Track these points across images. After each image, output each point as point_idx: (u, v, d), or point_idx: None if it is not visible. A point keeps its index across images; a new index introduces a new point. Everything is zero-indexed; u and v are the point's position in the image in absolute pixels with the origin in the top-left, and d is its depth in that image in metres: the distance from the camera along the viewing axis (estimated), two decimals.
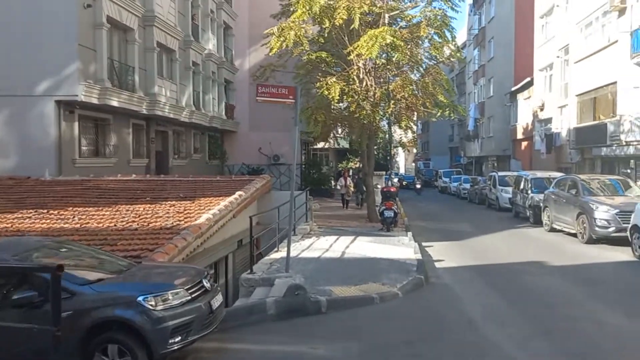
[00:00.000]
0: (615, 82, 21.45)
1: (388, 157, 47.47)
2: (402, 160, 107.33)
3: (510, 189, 24.45)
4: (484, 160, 48.83)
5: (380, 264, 10.45)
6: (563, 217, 15.82)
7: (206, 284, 6.48)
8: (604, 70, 22.32)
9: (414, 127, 21.79)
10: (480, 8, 47.18)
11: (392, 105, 16.90)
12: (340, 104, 20.42)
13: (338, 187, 24.42)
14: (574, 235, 15.00)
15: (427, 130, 75.34)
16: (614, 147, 21.37)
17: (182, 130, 26.25)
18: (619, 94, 21.15)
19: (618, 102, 21.19)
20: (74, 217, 11.24)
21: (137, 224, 10.75)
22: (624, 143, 20.58)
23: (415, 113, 19.69)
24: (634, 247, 11.86)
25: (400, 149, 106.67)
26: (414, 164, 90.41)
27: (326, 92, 15.89)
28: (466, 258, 12.20)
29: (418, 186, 42.59)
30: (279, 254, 11.32)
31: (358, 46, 15.04)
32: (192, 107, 25.27)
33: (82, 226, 10.71)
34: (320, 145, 44.75)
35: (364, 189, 20.96)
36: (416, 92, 17.75)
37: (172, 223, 10.80)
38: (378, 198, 18.75)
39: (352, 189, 23.47)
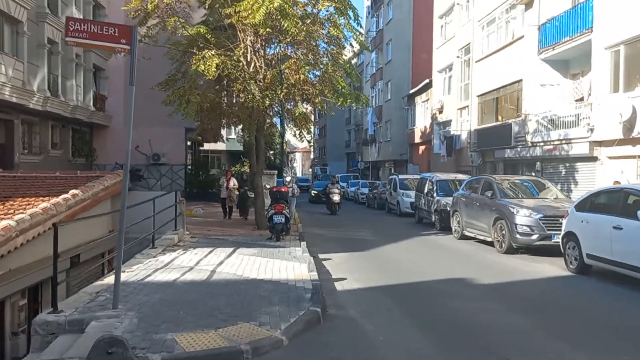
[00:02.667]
0: (520, 80, 20.33)
1: (280, 159, 44.45)
2: (300, 166, 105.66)
3: (411, 193, 22.68)
4: (381, 165, 47.80)
5: (261, 288, 7.49)
6: (476, 223, 13.88)
7: None
8: (508, 68, 21.20)
9: (311, 119, 18.87)
10: (378, 10, 46.15)
11: (284, 90, 14.04)
12: (232, 101, 17.29)
13: (220, 185, 20.05)
14: (490, 243, 13.07)
15: (324, 135, 74.07)
16: (518, 149, 20.18)
17: (35, 120, 21.67)
18: (524, 92, 20.03)
19: (523, 101, 20.05)
20: None
21: None
22: (530, 144, 19.42)
23: (311, 104, 16.99)
24: (568, 259, 9.92)
25: (297, 155, 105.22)
26: (310, 170, 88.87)
27: (202, 68, 12.74)
28: (373, 275, 9.61)
29: (336, 198, 24.39)
30: (121, 275, 8.01)
31: (241, 8, 12.06)
32: (47, 92, 20.82)
33: None
34: (212, 147, 41.26)
35: (248, 193, 17.55)
36: (312, 77, 15.15)
37: None
38: (268, 201, 15.84)
39: (236, 192, 18.86)
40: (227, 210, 19.02)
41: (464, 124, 26.83)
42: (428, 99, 33.86)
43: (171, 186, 29.68)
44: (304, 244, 12.04)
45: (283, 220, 12.49)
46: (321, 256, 11.44)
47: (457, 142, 27.21)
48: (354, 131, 62.04)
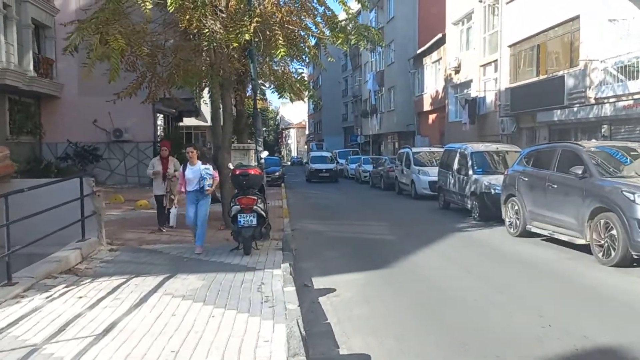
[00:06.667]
0: (576, 17, 15.39)
1: (274, 137, 39.29)
2: (295, 143, 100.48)
3: (430, 170, 18.00)
4: (383, 138, 42.95)
5: None
6: (553, 216, 9.10)
7: None
8: (556, 4, 16.21)
9: (306, 82, 13.42)
10: None
11: (255, 22, 9.15)
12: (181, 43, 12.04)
13: (150, 174, 10.67)
14: (578, 247, 8.37)
15: (319, 109, 68.96)
16: (574, 109, 15.33)
17: None
18: (582, 33, 15.09)
19: (581, 45, 15.13)
20: None
21: None
22: (593, 101, 14.57)
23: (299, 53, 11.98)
24: None
25: (292, 131, 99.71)
26: (306, 146, 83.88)
27: None
28: (425, 340, 4.89)
29: None
30: None
31: None
32: None
33: None
34: (193, 122, 36.69)
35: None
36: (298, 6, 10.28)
37: None
38: None
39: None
40: (166, 214, 10.57)
41: (490, 83, 21.94)
42: (440, 58, 28.82)
43: (137, 167, 24.94)
44: (285, 266, 7.09)
45: (254, 221, 7.64)
46: (318, 284, 6.71)
47: (482, 106, 22.33)
48: (352, 103, 57.05)
